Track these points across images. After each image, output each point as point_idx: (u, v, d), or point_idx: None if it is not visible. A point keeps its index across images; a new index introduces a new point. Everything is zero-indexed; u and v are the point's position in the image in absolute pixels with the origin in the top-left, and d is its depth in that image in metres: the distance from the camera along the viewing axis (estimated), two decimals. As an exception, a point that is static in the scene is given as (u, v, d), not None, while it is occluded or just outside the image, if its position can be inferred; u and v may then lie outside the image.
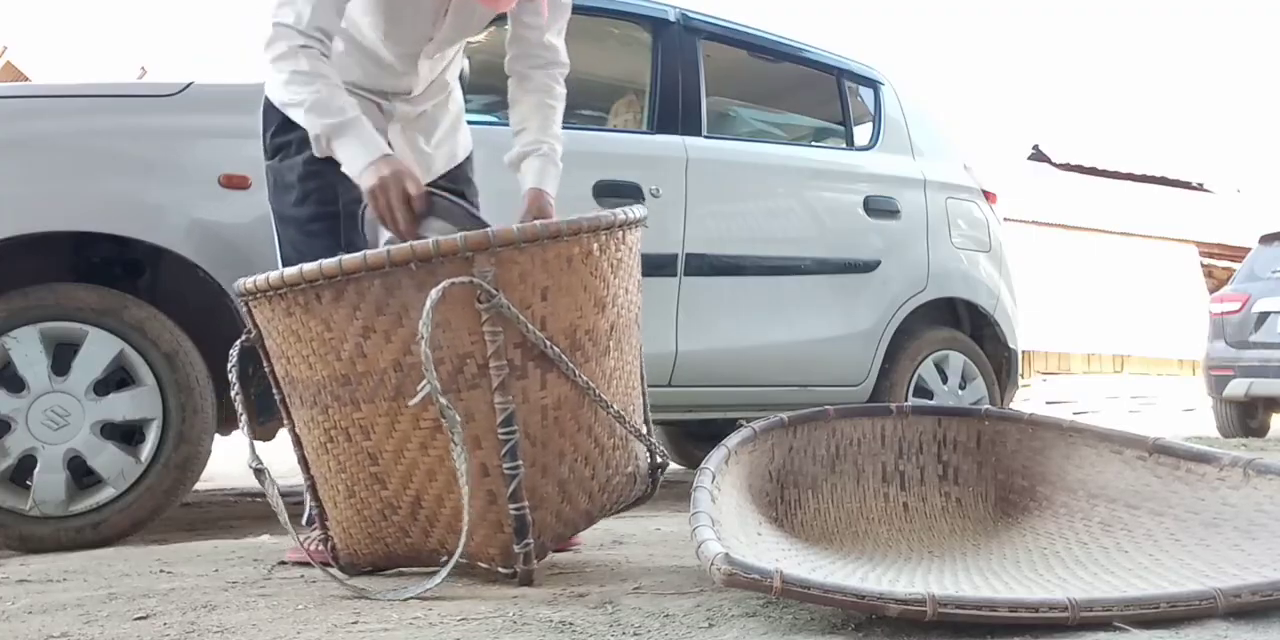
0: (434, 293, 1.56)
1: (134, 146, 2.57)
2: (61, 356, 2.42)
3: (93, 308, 2.44)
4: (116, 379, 2.48)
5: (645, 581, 1.72)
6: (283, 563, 2.01)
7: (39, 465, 2.36)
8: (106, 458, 2.42)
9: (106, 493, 2.41)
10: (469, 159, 2.39)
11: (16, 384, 2.38)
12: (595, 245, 1.73)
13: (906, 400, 3.69)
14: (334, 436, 1.74)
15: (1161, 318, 15.06)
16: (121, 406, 2.45)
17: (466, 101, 3.01)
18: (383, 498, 1.73)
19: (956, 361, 3.89)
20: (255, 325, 1.83)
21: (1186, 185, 19.84)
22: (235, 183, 2.61)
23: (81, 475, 2.42)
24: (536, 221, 1.69)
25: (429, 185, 2.25)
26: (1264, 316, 7.32)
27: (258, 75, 2.91)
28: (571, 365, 1.69)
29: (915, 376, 3.77)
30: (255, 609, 1.56)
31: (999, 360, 4.09)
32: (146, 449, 2.46)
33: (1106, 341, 15.24)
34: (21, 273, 2.45)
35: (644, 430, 1.91)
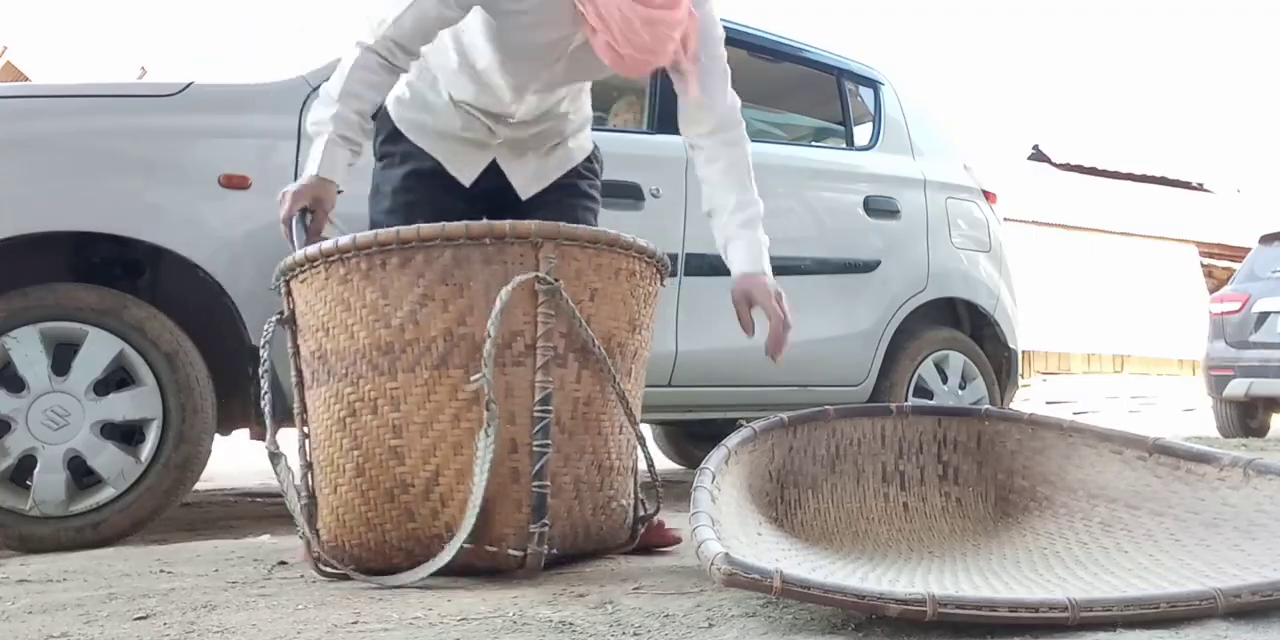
0: (505, 291, 1.65)
1: (134, 146, 2.57)
2: (61, 356, 2.42)
3: (93, 308, 2.44)
4: (116, 379, 2.48)
5: (645, 581, 1.72)
6: (282, 563, 2.01)
7: (39, 465, 2.36)
8: (106, 458, 2.42)
9: (106, 493, 2.41)
10: (590, 158, 2.38)
11: (16, 384, 2.37)
12: (638, 267, 1.82)
13: (906, 400, 3.69)
14: (357, 410, 1.75)
15: (1161, 318, 15.06)
16: (121, 406, 2.45)
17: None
18: (397, 475, 1.73)
19: (956, 361, 3.89)
20: (291, 304, 1.87)
21: (1186, 185, 19.84)
22: (235, 183, 2.61)
23: (81, 475, 2.42)
24: (581, 229, 1.75)
25: (545, 189, 2.26)
26: (1264, 316, 7.32)
27: (258, 76, 2.93)
28: (610, 363, 1.77)
29: (915, 376, 3.77)
30: (255, 609, 1.56)
31: (999, 360, 4.09)
32: (146, 449, 2.46)
33: (1106, 341, 15.24)
34: (21, 273, 2.45)
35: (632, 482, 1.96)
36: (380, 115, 2.23)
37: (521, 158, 2.24)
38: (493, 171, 2.23)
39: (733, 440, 1.84)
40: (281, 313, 1.89)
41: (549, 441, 1.69)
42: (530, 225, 1.70)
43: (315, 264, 1.79)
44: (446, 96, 2.19)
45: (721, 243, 2.14)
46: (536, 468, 1.68)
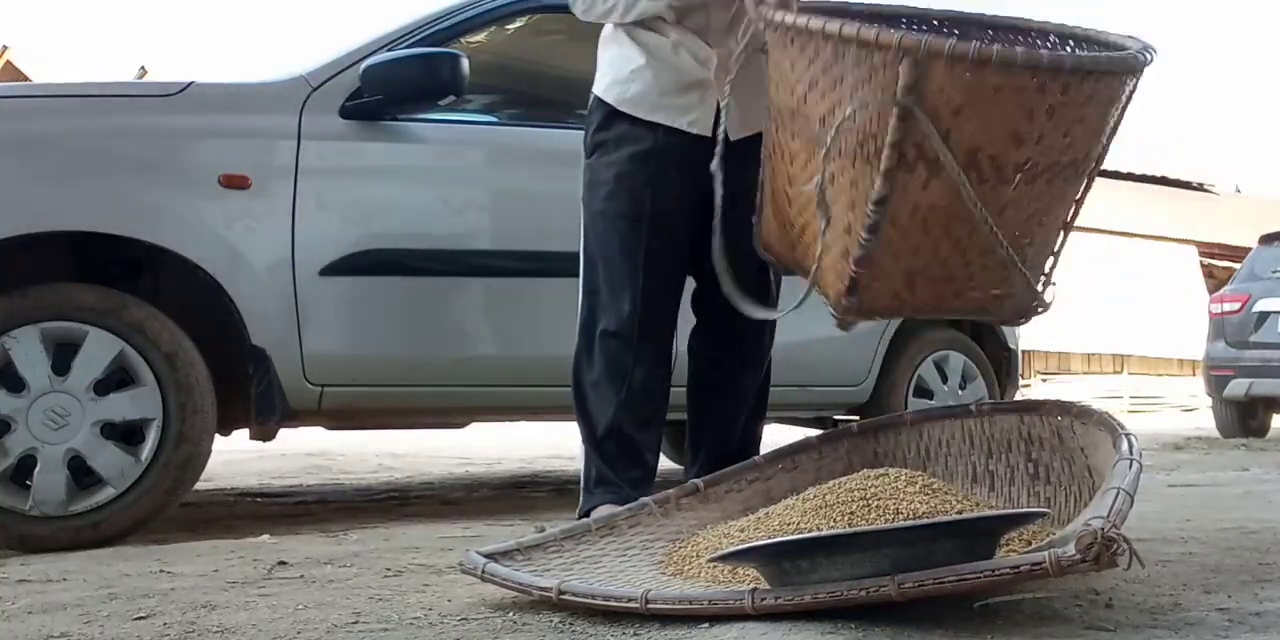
0: (856, 101, 1.71)
1: (134, 146, 2.57)
2: (61, 356, 2.41)
3: (93, 308, 2.44)
4: (117, 379, 2.47)
5: (645, 581, 1.72)
6: (282, 563, 2.01)
7: (39, 465, 2.36)
8: (106, 458, 2.41)
9: (106, 493, 2.41)
10: None
11: (16, 384, 2.37)
12: (1034, 82, 1.71)
13: (906, 401, 3.68)
14: (772, 154, 2.00)
15: (1161, 318, 15.06)
16: (122, 406, 2.44)
17: (466, 101, 3.02)
18: (786, 213, 1.97)
19: (956, 361, 3.89)
20: None
21: (1187, 185, 19.83)
22: (235, 183, 2.61)
23: (81, 475, 2.42)
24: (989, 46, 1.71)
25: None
26: (1264, 316, 7.32)
27: (258, 75, 2.93)
28: (962, 176, 1.73)
29: (915, 376, 3.77)
30: (255, 609, 1.56)
31: (999, 360, 4.09)
32: (146, 449, 2.45)
33: (1106, 341, 15.24)
34: (21, 273, 2.45)
35: (1036, 273, 1.94)
36: (591, 106, 2.32)
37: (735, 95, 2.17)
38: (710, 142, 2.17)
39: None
40: None
41: (873, 237, 1.77)
42: (893, 37, 1.68)
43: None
44: (658, 35, 2.24)
45: None
46: (857, 256, 1.80)
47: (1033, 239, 1.90)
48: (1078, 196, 1.94)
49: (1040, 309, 1.99)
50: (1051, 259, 1.98)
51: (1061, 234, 1.97)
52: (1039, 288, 1.96)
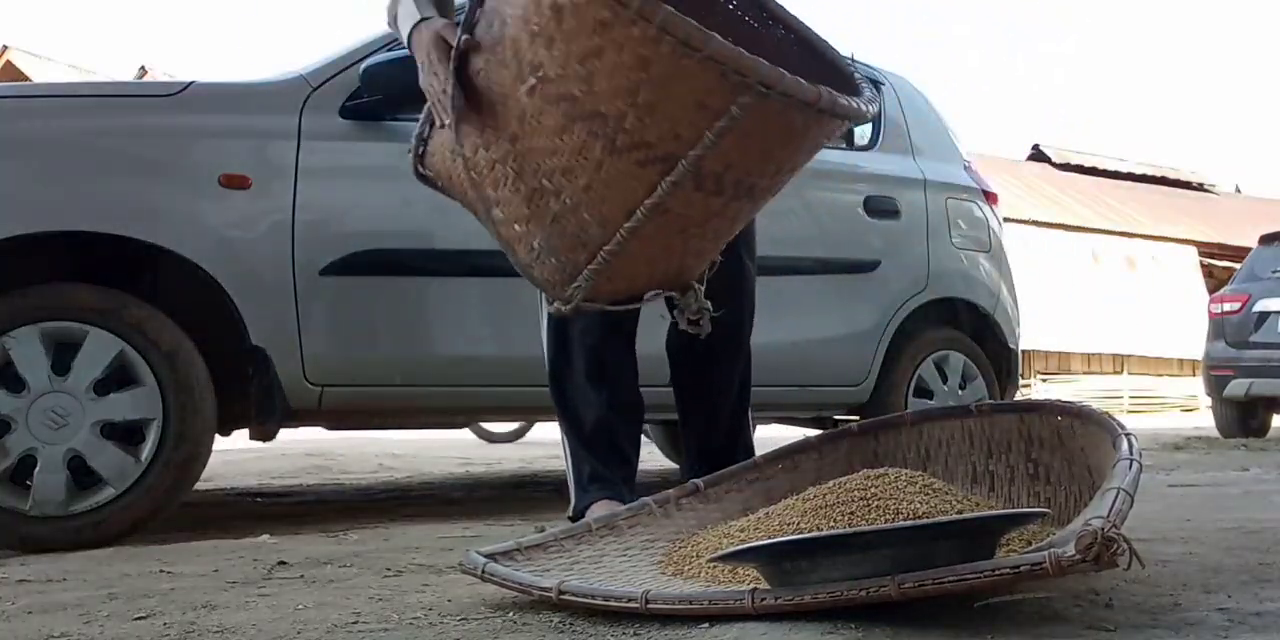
0: None
1: (134, 146, 2.57)
2: (61, 356, 2.42)
3: (93, 308, 2.44)
4: (117, 379, 2.47)
5: (645, 581, 1.72)
6: (282, 563, 2.01)
7: (39, 465, 2.36)
8: (106, 458, 2.41)
9: (106, 493, 2.41)
10: None
11: (16, 384, 2.37)
12: None
13: (906, 401, 3.68)
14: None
15: (1161, 318, 15.07)
16: (122, 406, 2.44)
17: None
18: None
19: (956, 361, 3.89)
20: None
21: (1187, 185, 19.85)
22: (235, 183, 2.61)
23: (81, 475, 2.42)
24: None
25: None
26: (1264, 316, 7.32)
27: (258, 75, 2.93)
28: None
29: (915, 376, 3.77)
30: (255, 609, 1.56)
31: (999, 360, 4.08)
32: (146, 449, 2.46)
33: (1106, 341, 15.26)
34: (21, 273, 2.45)
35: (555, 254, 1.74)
36: None
37: None
38: None
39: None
40: None
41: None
42: None
43: None
44: None
45: None
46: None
47: (559, 193, 1.58)
48: (650, 200, 1.56)
49: (562, 306, 1.66)
50: (591, 256, 1.58)
51: (623, 233, 1.58)
52: (551, 275, 1.62)
